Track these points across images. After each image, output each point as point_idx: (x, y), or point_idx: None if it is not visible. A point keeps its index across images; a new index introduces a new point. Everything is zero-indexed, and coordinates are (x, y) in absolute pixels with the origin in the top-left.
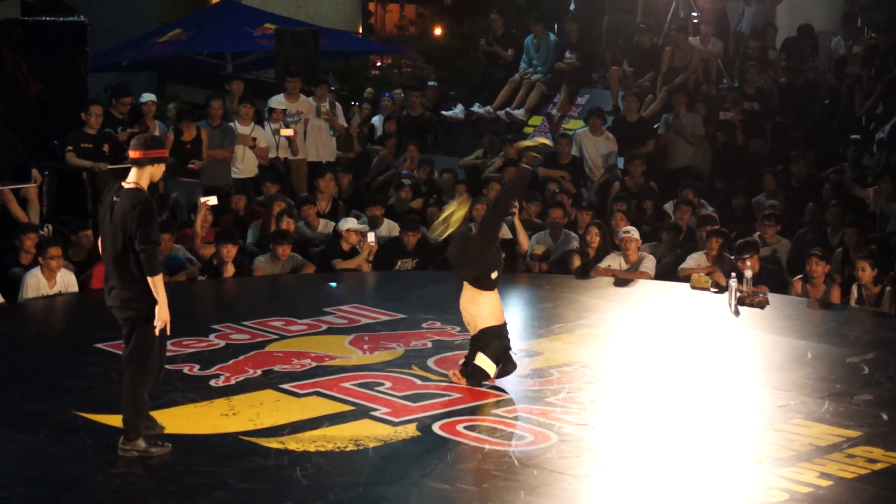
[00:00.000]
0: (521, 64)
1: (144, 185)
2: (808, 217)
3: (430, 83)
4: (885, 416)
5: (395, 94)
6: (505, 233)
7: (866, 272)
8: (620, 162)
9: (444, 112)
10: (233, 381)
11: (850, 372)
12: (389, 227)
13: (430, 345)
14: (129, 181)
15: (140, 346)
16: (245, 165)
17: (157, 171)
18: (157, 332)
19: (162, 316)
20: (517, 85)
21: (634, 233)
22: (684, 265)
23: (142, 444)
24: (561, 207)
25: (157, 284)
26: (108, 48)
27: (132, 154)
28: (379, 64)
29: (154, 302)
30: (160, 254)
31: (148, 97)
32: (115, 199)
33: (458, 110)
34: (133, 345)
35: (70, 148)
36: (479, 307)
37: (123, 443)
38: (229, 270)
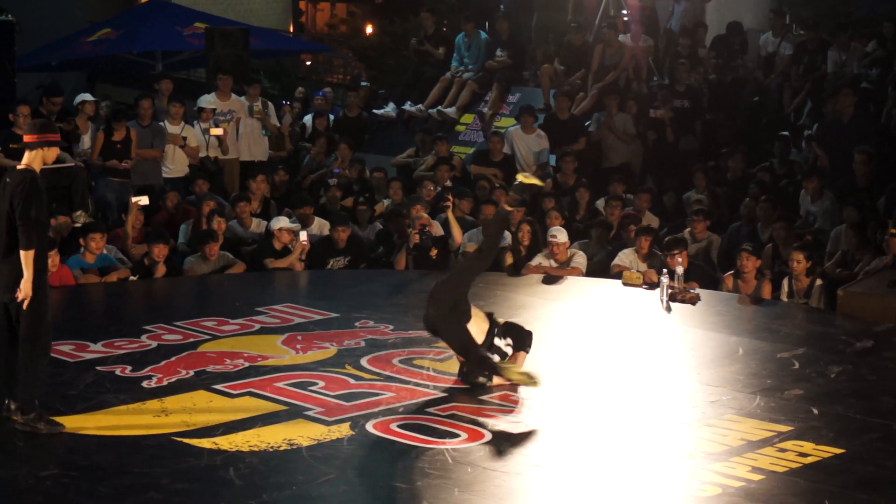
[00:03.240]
0: (453, 62)
1: (37, 167)
2: (744, 212)
3: (363, 83)
4: (815, 411)
5: (326, 92)
6: (437, 230)
7: (801, 263)
8: (552, 159)
9: (375, 111)
10: (165, 382)
11: (781, 367)
12: (320, 226)
13: (363, 344)
14: (22, 163)
15: (30, 323)
16: (175, 165)
17: (49, 154)
18: (23, 305)
19: (25, 289)
20: (449, 83)
21: (561, 236)
22: (615, 262)
23: (33, 416)
24: (493, 204)
25: (27, 259)
26: (37, 48)
27: (26, 138)
28: (309, 63)
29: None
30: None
31: (85, 98)
32: (7, 180)
33: (389, 109)
34: (24, 322)
35: None
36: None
37: (17, 415)
38: (161, 270)
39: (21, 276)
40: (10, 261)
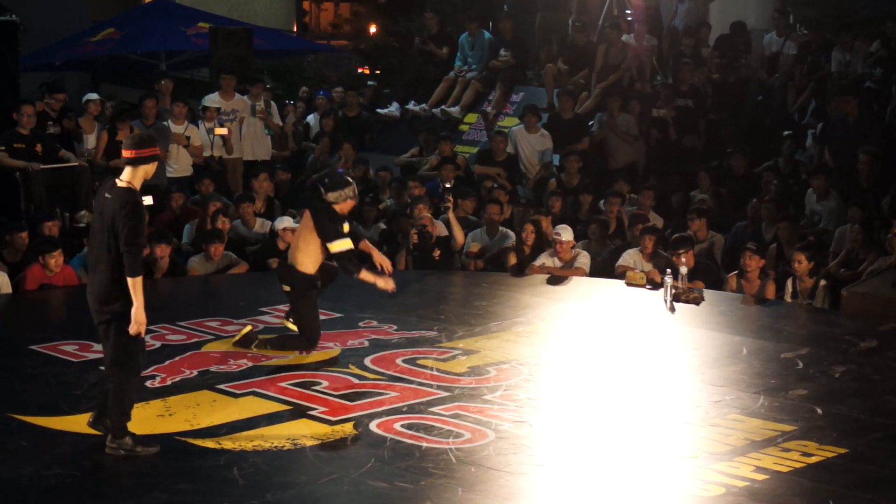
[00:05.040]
0: (456, 62)
1: (137, 184)
2: (750, 213)
3: (370, 83)
4: (819, 411)
5: (335, 92)
6: (441, 230)
7: (802, 264)
8: (556, 159)
9: (379, 110)
10: (169, 382)
11: (785, 367)
12: None
13: (366, 344)
14: (123, 179)
15: (121, 348)
16: (179, 165)
17: (150, 168)
18: (132, 333)
19: (138, 319)
20: (452, 83)
21: (566, 233)
22: (620, 262)
23: (129, 441)
24: (497, 204)
25: (136, 287)
26: (41, 48)
27: (125, 153)
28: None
29: (131, 304)
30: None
31: (92, 97)
32: (106, 195)
33: (393, 108)
34: (114, 347)
35: (2, 148)
36: None
37: (111, 440)
38: (163, 267)
39: (113, 298)
40: (103, 278)
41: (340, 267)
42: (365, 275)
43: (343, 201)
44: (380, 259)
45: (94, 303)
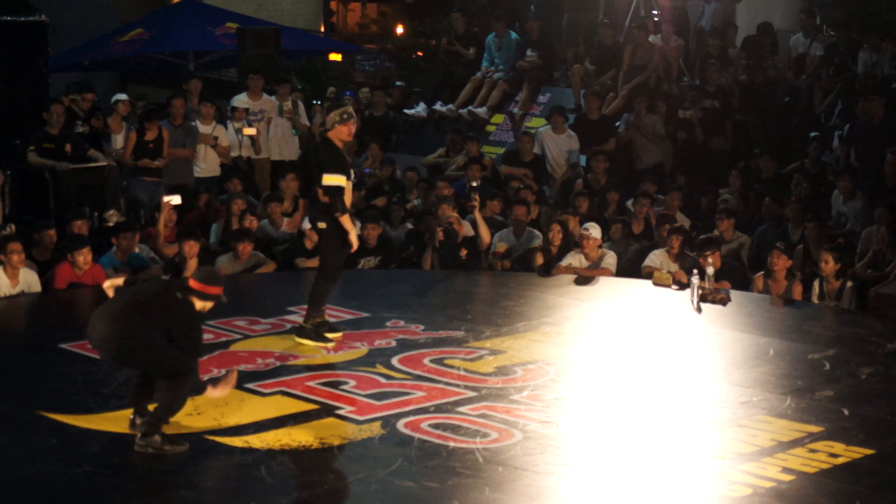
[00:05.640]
0: (483, 62)
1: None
2: (765, 212)
3: (397, 83)
4: (846, 412)
5: (361, 92)
6: (467, 230)
7: (829, 264)
8: (582, 160)
9: (406, 110)
10: None
11: (812, 368)
12: None
13: (394, 343)
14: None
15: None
16: (207, 164)
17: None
18: None
19: None
20: (479, 83)
21: (594, 230)
22: (646, 262)
23: (158, 439)
24: (524, 205)
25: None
26: (70, 48)
27: (193, 285)
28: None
29: None
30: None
31: (120, 97)
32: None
33: (420, 109)
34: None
35: (32, 148)
36: None
37: (140, 438)
38: (192, 266)
39: None
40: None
41: (329, 202)
42: (346, 220)
43: (343, 123)
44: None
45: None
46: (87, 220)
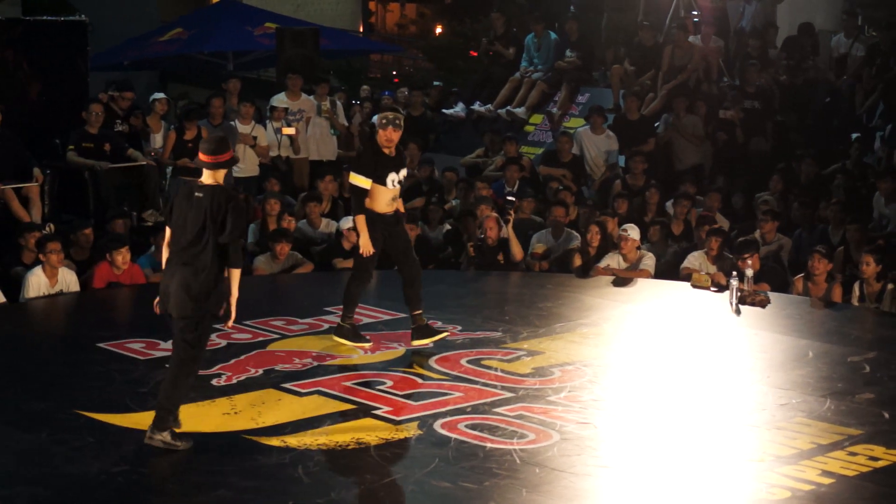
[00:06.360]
0: (522, 63)
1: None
2: (795, 216)
3: (436, 83)
4: (886, 415)
5: (400, 92)
6: (506, 232)
7: (870, 266)
8: (621, 160)
9: (444, 110)
10: (234, 381)
11: (852, 371)
12: None
13: (431, 344)
14: (208, 181)
15: (196, 344)
16: (246, 165)
17: (224, 171)
18: (228, 326)
19: (234, 311)
20: (518, 83)
21: (633, 231)
22: (685, 264)
23: (168, 435)
24: (562, 206)
25: (236, 277)
26: (109, 47)
27: (204, 158)
28: (378, 59)
29: (223, 301)
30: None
31: (158, 96)
32: (197, 194)
33: (458, 109)
34: (188, 342)
35: (71, 147)
36: None
37: (152, 431)
38: None
39: (209, 296)
40: (208, 278)
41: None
42: (360, 222)
43: (382, 128)
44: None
45: (187, 300)
46: (128, 220)
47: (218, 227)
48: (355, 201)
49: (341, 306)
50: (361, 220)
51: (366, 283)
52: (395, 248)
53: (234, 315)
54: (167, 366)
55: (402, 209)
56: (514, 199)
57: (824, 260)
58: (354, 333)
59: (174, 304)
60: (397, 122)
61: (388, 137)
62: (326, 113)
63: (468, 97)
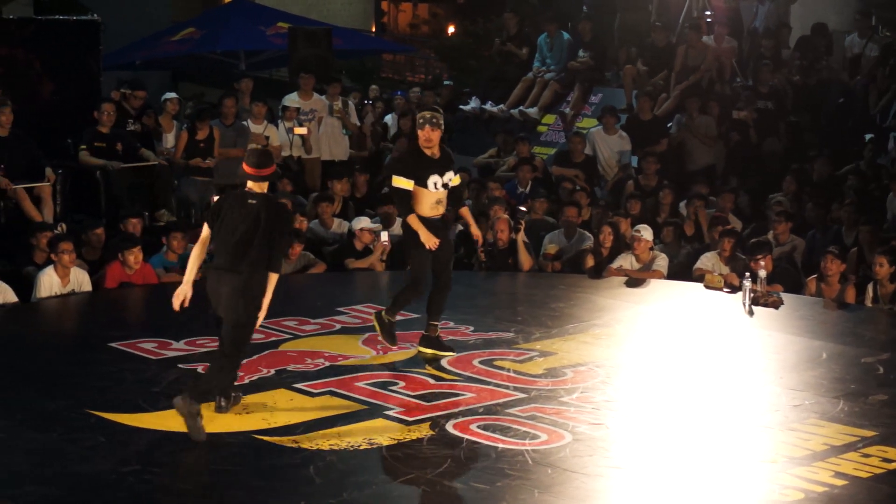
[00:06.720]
0: (535, 63)
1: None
2: (809, 217)
3: (446, 83)
4: None
5: (412, 92)
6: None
7: (884, 267)
8: (634, 161)
9: (462, 107)
10: (246, 381)
11: (865, 372)
12: None
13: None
14: (257, 190)
15: (244, 336)
16: None
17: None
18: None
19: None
20: (530, 84)
21: (646, 232)
22: (697, 265)
23: (196, 410)
24: (575, 206)
25: (274, 282)
26: (121, 47)
27: (248, 170)
28: (390, 58)
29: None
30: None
31: (170, 96)
32: (250, 201)
33: (474, 104)
34: (238, 333)
35: (83, 147)
36: None
37: (185, 397)
38: None
39: (261, 294)
40: (261, 279)
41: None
42: (412, 221)
43: (420, 128)
44: (476, 232)
45: (240, 305)
46: (142, 220)
47: (267, 234)
48: (400, 204)
49: (354, 307)
50: (412, 218)
51: (419, 293)
52: (439, 255)
53: (263, 317)
54: (180, 365)
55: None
56: (524, 208)
57: (837, 261)
58: (438, 342)
59: (228, 307)
60: (434, 120)
61: (427, 137)
62: (338, 113)
63: (480, 96)
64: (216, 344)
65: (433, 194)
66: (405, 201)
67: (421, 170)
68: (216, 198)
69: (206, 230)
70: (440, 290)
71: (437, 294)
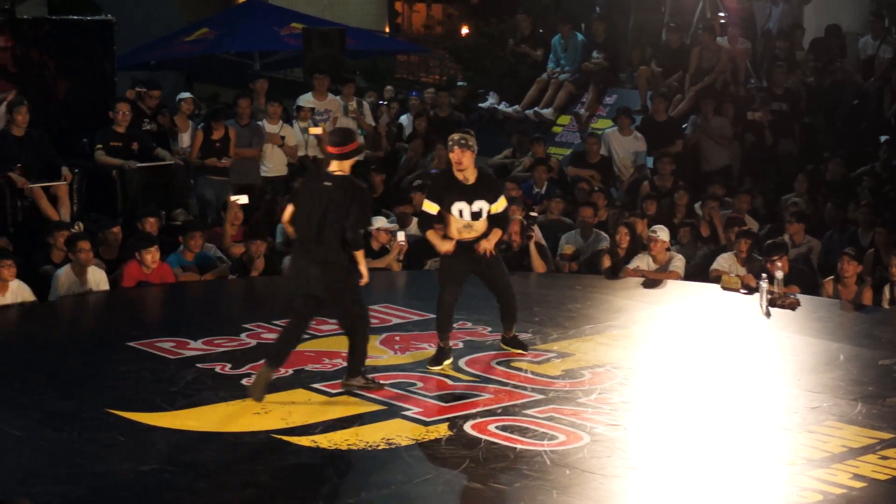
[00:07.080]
0: (549, 63)
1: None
2: (828, 217)
3: (460, 83)
4: None
5: (427, 93)
6: (537, 235)
7: None
8: (649, 161)
9: (480, 104)
10: None
11: (883, 374)
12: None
13: (461, 345)
14: (336, 171)
15: (359, 304)
16: (274, 164)
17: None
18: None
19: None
20: (545, 84)
21: (662, 233)
22: (714, 266)
23: (361, 380)
24: (591, 206)
25: (362, 256)
26: (136, 47)
27: (331, 150)
28: (404, 59)
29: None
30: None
31: (184, 96)
32: (326, 184)
33: (492, 100)
34: (354, 303)
35: (99, 146)
36: None
37: (347, 378)
38: (259, 266)
39: (349, 269)
40: (344, 257)
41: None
42: (431, 235)
43: (449, 150)
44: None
45: (333, 275)
46: (159, 219)
47: (344, 214)
48: (420, 225)
49: (371, 307)
50: (430, 235)
51: (445, 303)
52: (488, 280)
53: (366, 274)
54: (198, 365)
55: (490, 249)
56: (534, 213)
57: (853, 262)
58: (439, 356)
59: (323, 285)
60: (463, 141)
61: (458, 160)
62: (353, 113)
63: (497, 92)
64: (232, 344)
65: (459, 221)
66: (425, 223)
67: (447, 195)
68: (233, 198)
69: (288, 210)
70: (502, 305)
71: (502, 308)
